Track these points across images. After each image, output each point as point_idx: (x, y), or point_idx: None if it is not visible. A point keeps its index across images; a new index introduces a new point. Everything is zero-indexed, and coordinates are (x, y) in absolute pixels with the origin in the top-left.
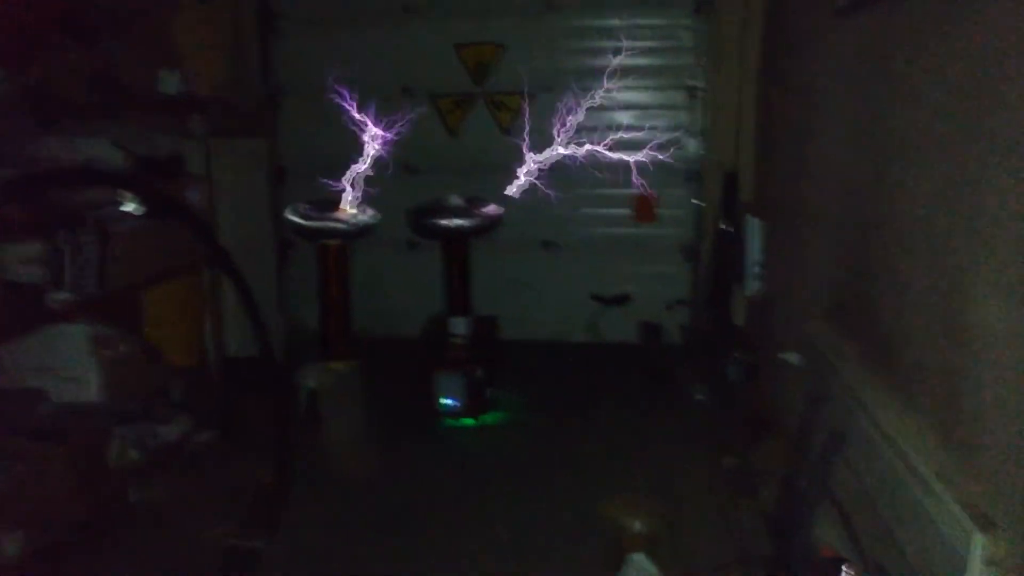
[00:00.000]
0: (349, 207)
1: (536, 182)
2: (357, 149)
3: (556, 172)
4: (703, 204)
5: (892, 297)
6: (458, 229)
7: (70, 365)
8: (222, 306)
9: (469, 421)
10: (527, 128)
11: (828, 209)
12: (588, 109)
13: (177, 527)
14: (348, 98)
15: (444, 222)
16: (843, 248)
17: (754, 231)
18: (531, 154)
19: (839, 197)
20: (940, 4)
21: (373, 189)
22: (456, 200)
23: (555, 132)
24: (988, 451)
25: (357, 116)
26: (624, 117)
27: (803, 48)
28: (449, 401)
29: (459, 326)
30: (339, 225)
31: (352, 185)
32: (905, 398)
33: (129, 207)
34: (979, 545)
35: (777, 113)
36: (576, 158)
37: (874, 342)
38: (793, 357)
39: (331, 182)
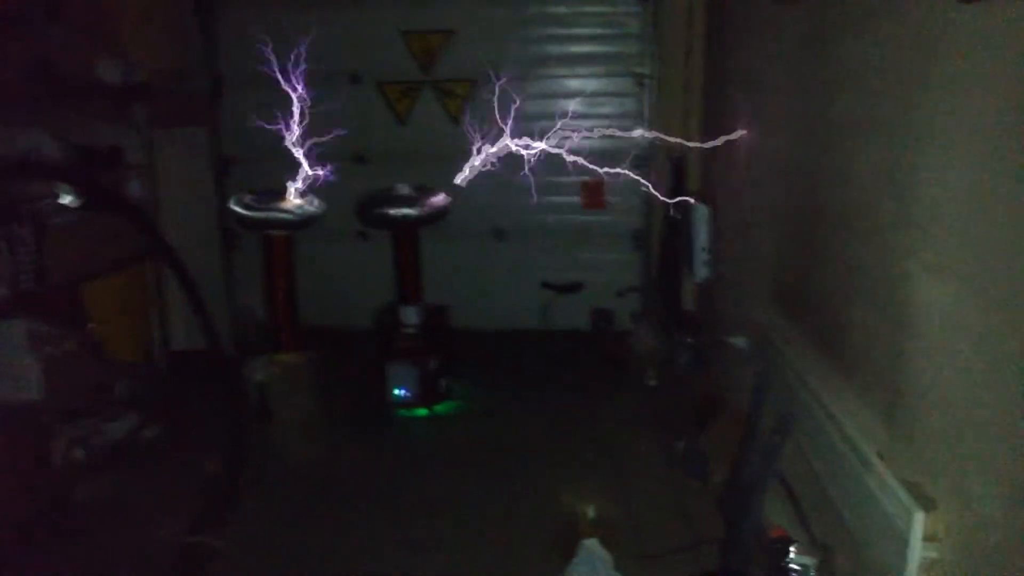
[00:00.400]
0: (295, 197)
1: (490, 166)
2: (301, 137)
3: (505, 160)
4: (649, 188)
5: (835, 281)
6: (407, 218)
7: (9, 363)
8: (168, 299)
9: (422, 411)
10: (477, 116)
11: (773, 194)
12: (536, 96)
13: (126, 525)
14: (290, 84)
15: (393, 211)
16: (788, 232)
17: (702, 218)
18: (481, 144)
19: (783, 182)
20: None
21: (321, 178)
22: (405, 189)
23: (503, 120)
24: (926, 431)
25: (298, 102)
26: (572, 104)
27: (745, 36)
28: (401, 392)
29: (410, 316)
30: (284, 215)
31: (298, 174)
32: (849, 380)
33: (67, 199)
34: (919, 523)
35: (723, 100)
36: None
37: (818, 325)
38: (741, 341)
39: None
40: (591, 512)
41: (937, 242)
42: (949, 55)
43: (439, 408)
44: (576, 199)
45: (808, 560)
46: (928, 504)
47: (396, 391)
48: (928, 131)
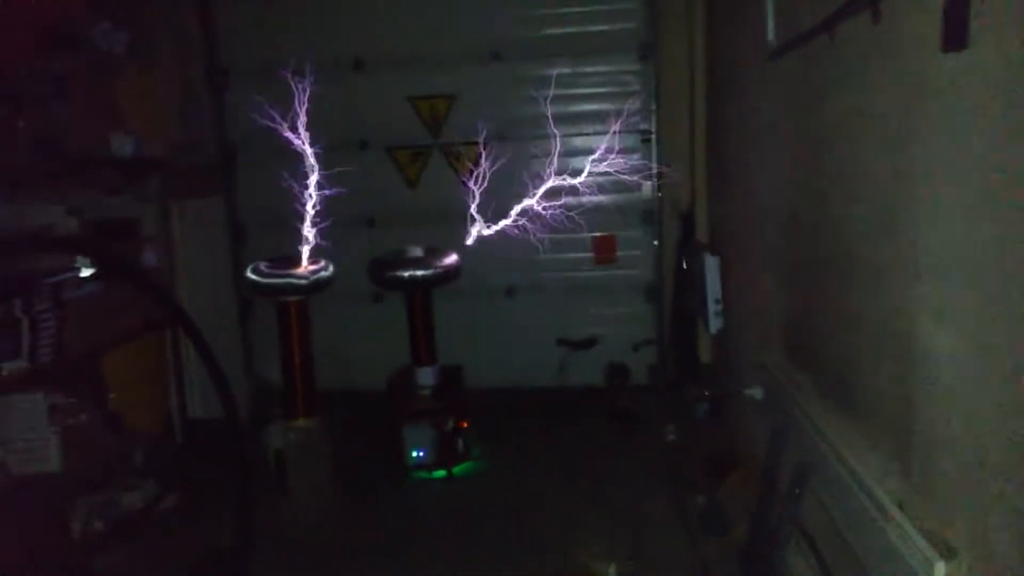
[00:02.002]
0: (308, 262)
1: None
2: (314, 204)
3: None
4: (659, 243)
5: (844, 329)
6: (419, 280)
7: (28, 436)
8: (185, 367)
9: (440, 473)
10: (485, 177)
11: (778, 244)
12: (543, 155)
13: None
14: (301, 152)
15: (404, 273)
16: (795, 282)
17: (712, 269)
18: (489, 203)
19: (787, 232)
20: (860, 45)
21: (335, 243)
22: (416, 251)
23: (512, 180)
24: (942, 479)
25: (308, 170)
26: (578, 162)
27: (742, 92)
28: (419, 454)
29: (425, 377)
30: (296, 281)
31: (310, 240)
32: (864, 428)
33: (85, 272)
34: (940, 573)
35: (725, 153)
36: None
37: (830, 374)
38: (757, 392)
39: (290, 238)
40: (612, 571)
41: (938, 287)
42: (934, 102)
43: (457, 469)
44: (586, 254)
45: None
46: (949, 553)
47: (413, 453)
48: (918, 177)
